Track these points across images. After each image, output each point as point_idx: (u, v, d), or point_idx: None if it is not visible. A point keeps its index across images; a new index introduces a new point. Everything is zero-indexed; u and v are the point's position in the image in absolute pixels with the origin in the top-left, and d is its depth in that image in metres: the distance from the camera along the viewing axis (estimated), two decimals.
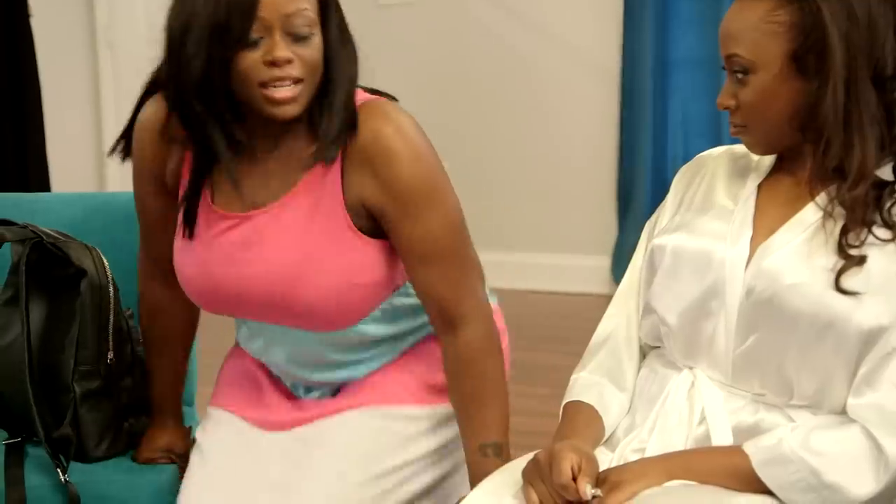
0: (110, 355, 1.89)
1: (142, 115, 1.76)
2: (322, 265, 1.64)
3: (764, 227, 1.48)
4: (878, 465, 1.36)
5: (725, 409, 1.47)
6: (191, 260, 1.72)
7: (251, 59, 1.54)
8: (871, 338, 1.37)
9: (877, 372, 1.38)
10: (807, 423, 1.41)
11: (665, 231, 1.57)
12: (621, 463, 1.50)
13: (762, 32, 1.41)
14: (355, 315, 1.70)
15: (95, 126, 5.37)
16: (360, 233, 1.65)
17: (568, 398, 1.61)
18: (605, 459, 1.53)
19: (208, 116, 1.58)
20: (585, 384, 1.60)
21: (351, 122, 1.60)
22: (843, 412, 1.42)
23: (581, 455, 1.43)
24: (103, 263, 1.90)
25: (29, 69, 4.66)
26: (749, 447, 1.41)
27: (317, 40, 1.57)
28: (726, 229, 1.49)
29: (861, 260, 1.37)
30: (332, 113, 1.60)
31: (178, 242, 1.74)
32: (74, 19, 5.27)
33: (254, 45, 1.53)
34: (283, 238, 1.65)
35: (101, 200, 2.30)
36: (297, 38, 1.54)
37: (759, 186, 1.52)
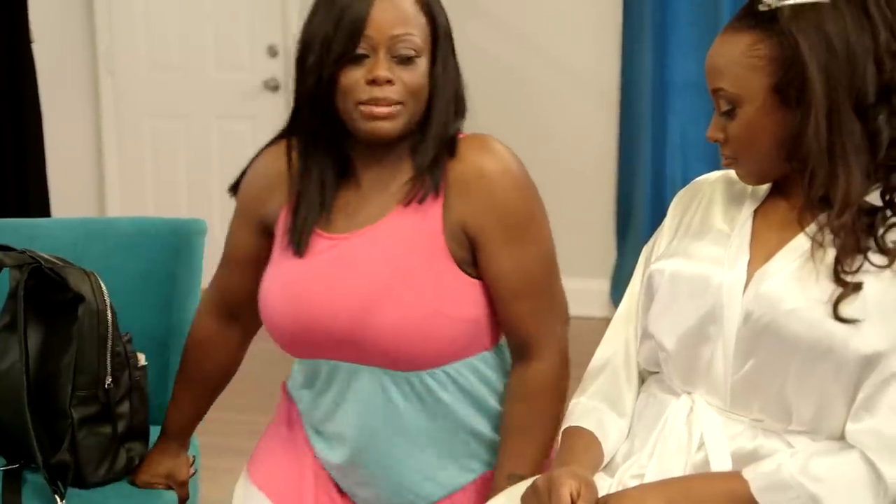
0: (108, 380, 1.89)
1: (259, 158, 1.80)
2: (412, 286, 1.62)
3: (761, 252, 1.48)
4: (877, 491, 1.36)
5: (724, 434, 1.47)
6: (281, 281, 1.70)
7: (354, 77, 1.58)
8: (869, 363, 1.37)
9: (875, 397, 1.38)
10: (806, 449, 1.41)
11: (662, 256, 1.57)
12: (620, 489, 1.49)
13: (744, 67, 1.42)
14: (438, 350, 1.65)
15: (96, 151, 5.38)
16: (454, 263, 1.64)
17: (567, 423, 1.60)
18: (604, 485, 1.52)
19: (318, 132, 1.65)
20: (584, 409, 1.60)
21: (450, 152, 1.64)
22: (841, 438, 1.42)
23: (580, 481, 1.42)
24: (101, 288, 1.90)
25: (30, 94, 4.67)
26: (748, 473, 1.41)
27: (422, 66, 1.60)
28: (723, 254, 1.49)
29: (857, 287, 1.37)
30: (427, 142, 1.64)
31: (271, 269, 1.73)
32: (75, 45, 5.29)
33: (359, 62, 1.58)
34: (377, 258, 1.64)
35: (100, 225, 2.30)
36: (401, 61, 1.58)
37: (756, 211, 1.53)
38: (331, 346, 1.68)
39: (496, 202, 1.63)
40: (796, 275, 1.43)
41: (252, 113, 5.16)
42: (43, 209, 4.77)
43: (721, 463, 1.45)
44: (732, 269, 1.47)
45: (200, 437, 2.17)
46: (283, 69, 5.03)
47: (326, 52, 1.58)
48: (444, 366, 1.67)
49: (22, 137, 4.65)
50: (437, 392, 1.68)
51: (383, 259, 1.64)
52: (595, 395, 1.61)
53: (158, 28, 5.23)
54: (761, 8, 1.43)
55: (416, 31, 1.59)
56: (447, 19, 1.67)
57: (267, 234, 1.77)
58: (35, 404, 1.86)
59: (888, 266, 1.39)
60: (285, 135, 1.75)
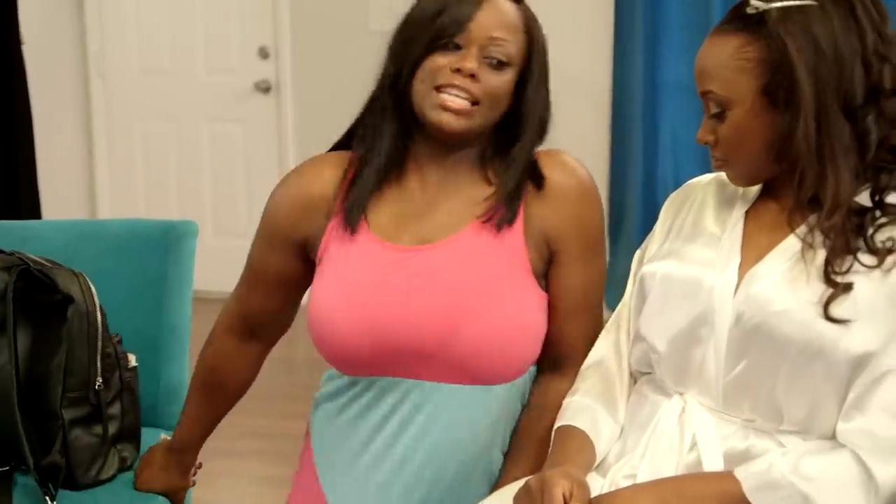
0: (99, 381, 1.89)
1: (297, 174, 1.74)
2: (498, 298, 1.61)
3: (751, 254, 1.48)
4: (868, 491, 1.36)
5: (716, 434, 1.47)
6: (349, 297, 1.63)
7: (440, 62, 1.59)
8: (859, 363, 1.37)
9: (866, 397, 1.37)
10: (797, 449, 1.41)
11: (654, 258, 1.57)
12: (613, 489, 1.49)
13: (733, 69, 1.43)
14: (517, 364, 1.65)
15: (86, 153, 5.38)
16: (533, 275, 1.64)
17: (560, 422, 1.60)
18: (597, 485, 1.52)
19: (390, 117, 1.63)
20: (578, 408, 1.60)
21: (532, 175, 1.66)
22: (833, 437, 1.41)
23: (572, 481, 1.42)
24: (90, 289, 1.90)
25: (20, 96, 4.68)
26: (740, 472, 1.41)
27: (508, 75, 1.62)
28: (714, 257, 1.50)
29: (847, 287, 1.38)
30: (513, 165, 1.65)
31: (327, 286, 1.66)
32: (66, 47, 5.29)
33: (451, 49, 1.59)
34: (459, 270, 1.62)
35: (91, 227, 2.31)
36: (491, 64, 1.60)
37: (747, 213, 1.53)
38: (410, 362, 1.63)
39: (578, 215, 1.66)
40: (787, 276, 1.43)
41: (243, 115, 5.16)
42: (34, 211, 4.77)
43: (713, 463, 1.45)
44: (724, 271, 1.48)
45: None
46: (275, 71, 5.03)
47: (423, 33, 1.59)
48: (517, 379, 1.68)
49: (12, 140, 4.65)
50: (513, 404, 1.69)
51: (466, 271, 1.62)
52: (588, 393, 1.61)
53: (149, 30, 5.24)
54: (749, 11, 1.43)
55: (512, 40, 1.62)
56: (545, 46, 1.70)
57: (302, 256, 1.73)
58: (25, 406, 1.86)
59: (878, 266, 1.39)
60: (342, 145, 1.74)
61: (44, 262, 1.93)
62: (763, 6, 1.42)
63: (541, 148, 1.73)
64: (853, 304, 1.37)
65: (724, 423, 1.47)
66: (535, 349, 1.67)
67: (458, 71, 1.58)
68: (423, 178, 1.67)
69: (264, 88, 5.07)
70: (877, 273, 1.39)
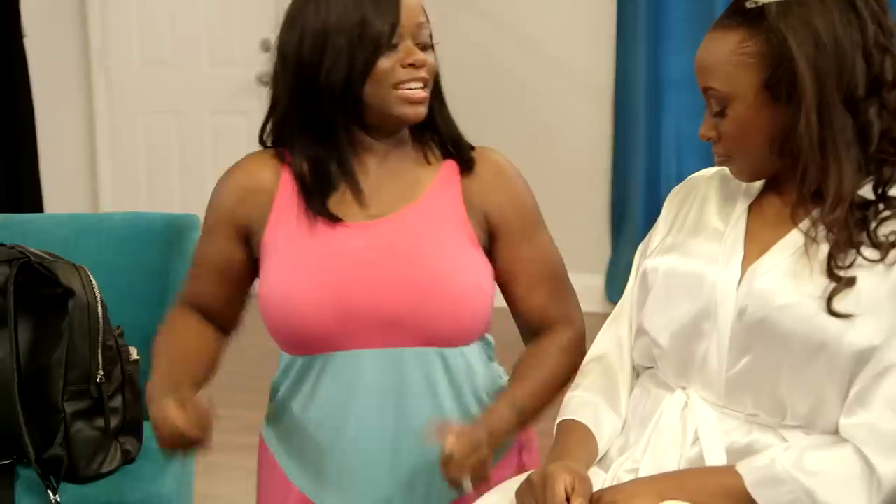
0: (100, 374, 1.90)
1: (235, 171, 1.78)
2: (452, 263, 1.68)
3: (755, 248, 1.48)
4: (871, 485, 1.36)
5: (719, 429, 1.47)
6: (308, 273, 1.66)
7: (390, 62, 1.63)
8: (862, 357, 1.37)
9: (869, 392, 1.37)
10: (799, 443, 1.41)
11: (657, 252, 1.57)
12: (615, 483, 1.49)
13: (734, 64, 1.42)
14: (476, 325, 1.71)
15: (89, 147, 5.38)
16: (479, 244, 1.71)
17: (562, 416, 1.60)
18: (599, 480, 1.52)
19: (340, 122, 1.67)
20: (580, 403, 1.60)
21: (466, 162, 1.74)
22: (835, 432, 1.41)
23: (574, 475, 1.42)
24: (91, 283, 1.91)
25: (22, 89, 4.67)
26: (742, 467, 1.41)
27: (433, 53, 1.69)
28: (718, 251, 1.49)
29: (850, 281, 1.38)
30: (448, 118, 1.74)
31: (285, 273, 1.68)
32: (68, 41, 5.29)
33: (393, 48, 1.63)
34: (412, 239, 1.68)
35: (92, 221, 2.31)
36: (424, 47, 1.66)
37: (750, 208, 1.53)
38: (374, 332, 1.66)
39: (514, 196, 1.74)
40: (790, 270, 1.43)
41: (245, 108, 5.14)
42: (35, 205, 4.77)
43: (715, 457, 1.45)
44: (727, 266, 1.47)
45: None
46: None
47: (363, 43, 1.62)
48: (469, 344, 1.72)
49: (14, 133, 4.64)
50: (472, 367, 1.72)
51: (419, 239, 1.68)
52: (590, 388, 1.61)
53: (151, 23, 5.23)
54: (749, 5, 1.42)
55: (427, 20, 1.68)
56: None
57: (242, 244, 1.74)
58: (26, 399, 1.86)
59: (881, 260, 1.39)
60: (267, 143, 1.77)
61: (45, 255, 1.93)
62: (763, 0, 1.41)
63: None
64: (856, 298, 1.37)
65: (726, 417, 1.47)
66: (488, 310, 1.71)
67: (411, 65, 1.64)
68: (364, 164, 1.71)
69: (266, 81, 5.00)
70: (880, 267, 1.39)
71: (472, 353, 1.72)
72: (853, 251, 1.39)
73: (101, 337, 1.89)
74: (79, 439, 1.87)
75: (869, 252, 1.39)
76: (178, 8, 5.19)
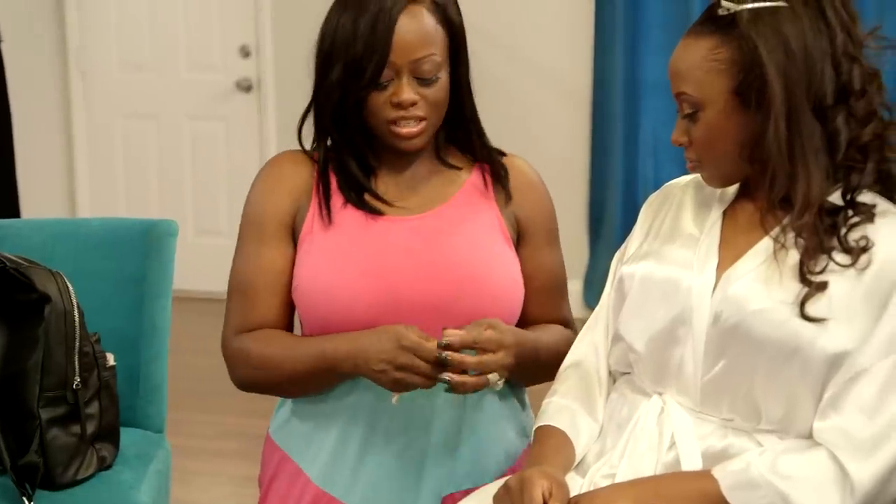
0: (76, 381, 1.88)
1: (272, 167, 1.79)
2: (496, 257, 1.73)
3: (729, 254, 1.49)
4: (844, 489, 1.37)
5: (695, 434, 1.48)
6: (357, 270, 1.66)
7: (381, 99, 1.65)
8: (835, 362, 1.39)
9: (842, 396, 1.39)
10: (774, 448, 1.42)
11: (633, 259, 1.58)
12: (592, 489, 1.49)
13: (705, 70, 1.44)
14: (515, 317, 1.75)
15: (66, 152, 5.35)
16: (511, 243, 1.76)
17: (540, 422, 1.61)
18: (576, 485, 1.53)
19: (342, 141, 1.71)
20: (557, 408, 1.60)
21: (497, 168, 1.78)
22: (810, 436, 1.42)
23: (552, 481, 1.43)
24: (68, 288, 1.89)
25: None
26: (718, 472, 1.41)
27: (443, 80, 1.68)
28: (692, 257, 1.51)
29: (822, 286, 1.39)
30: (473, 136, 1.78)
31: (328, 266, 1.67)
32: (46, 44, 5.26)
33: (384, 87, 1.65)
34: (453, 231, 1.71)
35: (69, 226, 2.29)
36: (424, 81, 1.65)
37: (724, 214, 1.54)
38: (420, 319, 1.65)
39: (543, 206, 1.81)
40: (762, 276, 1.44)
41: (224, 113, 5.14)
42: (12, 210, 4.74)
43: (691, 462, 1.46)
44: (701, 272, 1.49)
45: (169, 437, 2.18)
46: (256, 69, 5.01)
47: (352, 77, 1.64)
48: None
49: None
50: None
51: (459, 231, 1.71)
52: (567, 394, 1.62)
53: (130, 26, 5.20)
54: (721, 12, 1.44)
55: (436, 50, 1.66)
56: (460, 15, 1.73)
57: (294, 244, 1.74)
58: (1, 406, 1.85)
59: (852, 265, 1.40)
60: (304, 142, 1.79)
61: (21, 261, 1.92)
62: (734, 7, 1.43)
63: (503, 147, 1.82)
64: (828, 302, 1.39)
65: (702, 422, 1.48)
66: (521, 303, 1.75)
67: (398, 104, 1.64)
68: (393, 170, 1.75)
69: (245, 87, 5.06)
70: (851, 272, 1.40)
71: None
72: (825, 256, 1.40)
73: (77, 343, 1.87)
74: (55, 446, 1.86)
75: (840, 257, 1.40)
76: (157, 11, 5.17)
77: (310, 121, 1.75)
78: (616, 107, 4.57)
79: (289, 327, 1.76)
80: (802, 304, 1.38)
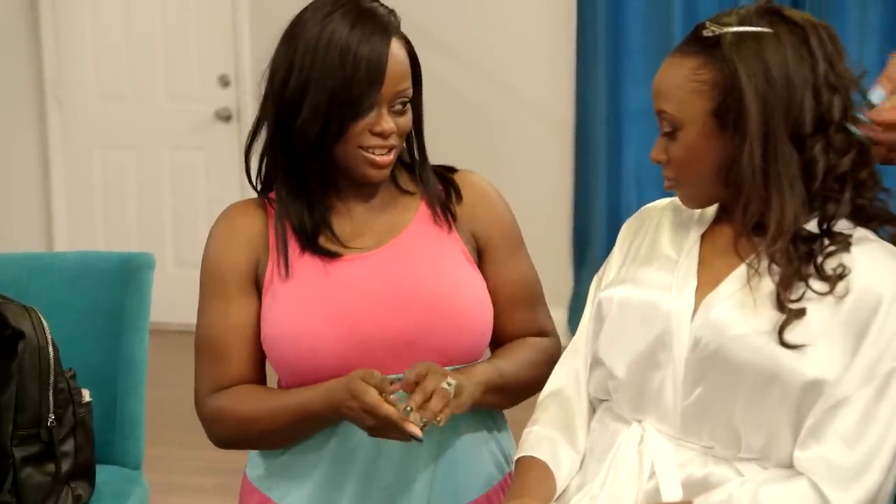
0: (51, 418, 1.87)
1: (224, 221, 1.77)
2: (459, 282, 1.72)
3: (708, 278, 1.49)
4: None
5: (675, 461, 1.47)
6: (320, 315, 1.65)
7: (358, 128, 1.65)
8: (814, 388, 1.38)
9: (822, 425, 1.39)
10: (755, 477, 1.42)
11: (611, 284, 1.59)
12: None
13: (687, 90, 1.46)
14: (485, 338, 1.74)
15: (43, 184, 5.33)
16: (473, 262, 1.76)
17: (520, 453, 1.60)
18: None
19: (311, 166, 1.68)
20: (538, 438, 1.60)
21: (450, 186, 1.78)
22: (790, 465, 1.42)
23: None
24: (42, 324, 1.89)
25: None
26: (700, 502, 1.41)
27: (409, 111, 1.70)
28: (671, 280, 1.51)
29: (800, 313, 1.39)
30: (426, 168, 1.77)
31: (289, 314, 1.67)
32: (22, 74, 5.25)
33: (363, 116, 1.65)
34: (413, 263, 1.71)
35: (44, 260, 2.30)
36: (398, 110, 1.67)
37: (703, 236, 1.55)
38: (386, 358, 1.65)
39: (499, 217, 1.80)
40: (739, 301, 1.44)
41: (204, 143, 5.13)
42: None
43: (671, 492, 1.45)
44: (680, 295, 1.49)
45: (147, 474, 2.17)
46: (235, 99, 5.02)
47: (339, 106, 1.62)
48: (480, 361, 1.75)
49: None
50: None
51: (419, 262, 1.71)
52: (548, 423, 1.61)
53: (107, 56, 5.20)
54: (706, 34, 1.46)
55: (409, 83, 1.69)
56: (413, 48, 1.73)
57: (258, 291, 1.72)
58: None
59: (829, 293, 1.40)
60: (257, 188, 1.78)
61: None
62: (719, 30, 1.44)
63: (486, 176, 1.84)
64: (806, 329, 1.39)
65: (682, 449, 1.48)
66: (491, 322, 1.74)
67: (380, 133, 1.65)
68: (349, 202, 1.74)
69: (225, 117, 5.05)
70: (829, 299, 1.40)
71: None
72: (801, 284, 1.40)
73: (52, 379, 1.86)
74: (28, 485, 1.84)
75: (817, 285, 1.40)
76: (134, 40, 5.16)
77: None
78: (599, 134, 4.59)
79: (262, 379, 1.74)
80: (781, 331, 1.38)
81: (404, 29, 1.70)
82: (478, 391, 1.63)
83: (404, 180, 1.77)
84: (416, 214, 1.75)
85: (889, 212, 1.48)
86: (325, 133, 1.64)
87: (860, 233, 1.46)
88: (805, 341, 1.38)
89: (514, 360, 1.74)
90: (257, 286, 1.72)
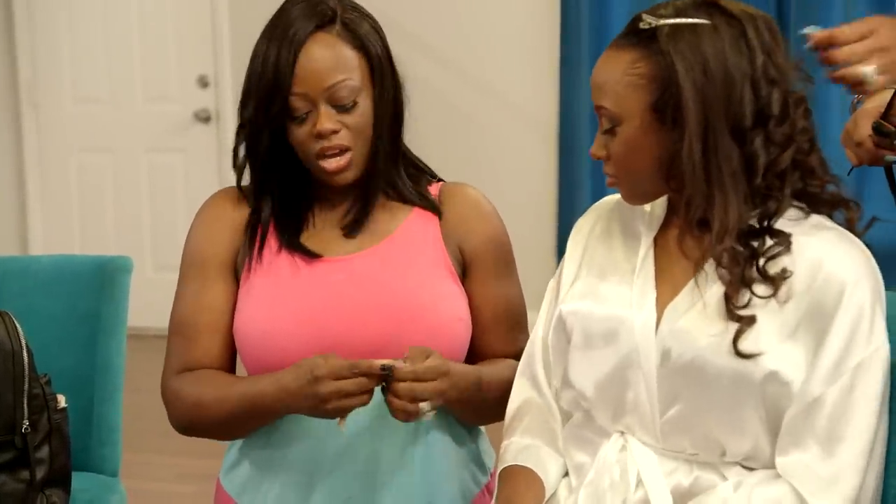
0: (25, 424, 1.84)
1: (207, 208, 1.78)
2: (436, 295, 1.69)
3: (667, 287, 1.48)
4: None
5: (661, 471, 1.46)
6: (291, 315, 1.65)
7: (302, 133, 1.63)
8: (787, 391, 1.38)
9: (798, 428, 1.39)
10: (748, 481, 1.42)
11: (571, 297, 1.56)
12: None
13: (624, 85, 1.43)
14: (457, 355, 1.70)
15: (18, 187, 5.32)
16: (456, 276, 1.72)
17: (503, 464, 1.58)
18: None
19: (273, 181, 1.69)
20: (518, 448, 1.58)
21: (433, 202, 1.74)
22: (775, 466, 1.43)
23: None
24: (16, 329, 1.87)
25: None
26: None
27: (363, 105, 1.65)
28: (629, 294, 1.49)
29: (751, 320, 1.38)
30: (391, 171, 1.71)
31: (263, 311, 1.66)
32: None
33: (302, 120, 1.62)
34: (396, 273, 1.68)
35: (19, 264, 2.28)
36: (343, 107, 1.62)
37: (655, 240, 1.52)
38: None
39: (492, 236, 1.75)
40: (702, 309, 1.43)
41: (182, 145, 5.11)
42: None
43: (661, 501, 1.44)
44: (641, 308, 1.47)
45: (124, 480, 2.15)
46: (215, 100, 5.00)
47: (265, 111, 1.62)
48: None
49: None
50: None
51: (398, 269, 1.68)
52: (526, 433, 1.59)
53: (83, 57, 5.18)
54: (642, 26, 1.43)
55: (352, 74, 1.63)
56: (384, 45, 1.70)
57: (236, 283, 1.72)
58: None
59: (773, 296, 1.38)
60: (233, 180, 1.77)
61: None
62: (655, 22, 1.42)
63: (470, 179, 1.81)
64: (757, 336, 1.38)
65: (666, 459, 1.47)
66: (466, 340, 1.71)
67: (318, 135, 1.61)
68: (333, 202, 1.72)
69: (204, 118, 5.03)
70: (773, 304, 1.39)
71: None
72: (746, 290, 1.39)
73: (26, 385, 1.84)
74: (2, 493, 1.81)
75: (761, 289, 1.39)
76: (111, 41, 5.14)
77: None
78: (583, 136, 4.60)
79: (231, 367, 1.73)
80: (735, 341, 1.37)
81: (386, 32, 1.69)
82: (448, 381, 1.59)
83: (405, 185, 1.75)
84: (405, 222, 1.72)
85: (842, 196, 1.46)
86: (260, 135, 1.64)
87: (815, 219, 1.44)
88: (759, 349, 1.37)
89: (491, 368, 1.71)
90: (236, 275, 1.71)
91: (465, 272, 1.74)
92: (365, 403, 1.55)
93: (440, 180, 1.81)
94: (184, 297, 1.73)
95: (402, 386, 1.54)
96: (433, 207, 1.73)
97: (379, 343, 1.63)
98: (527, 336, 1.75)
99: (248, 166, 1.71)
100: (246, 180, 1.75)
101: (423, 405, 1.55)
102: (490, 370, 1.70)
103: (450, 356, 1.65)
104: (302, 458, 1.66)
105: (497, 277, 1.75)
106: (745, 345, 1.37)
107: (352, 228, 1.71)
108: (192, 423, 1.70)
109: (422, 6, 4.77)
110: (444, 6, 4.81)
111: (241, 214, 1.73)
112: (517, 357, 1.72)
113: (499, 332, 1.74)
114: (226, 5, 4.93)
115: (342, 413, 1.55)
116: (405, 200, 1.73)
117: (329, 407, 1.54)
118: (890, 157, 1.60)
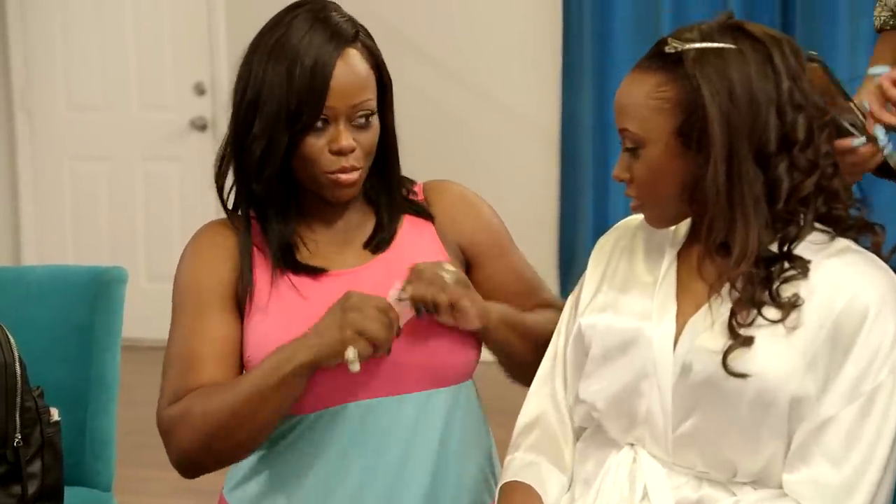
0: (17, 438, 1.83)
1: (201, 238, 1.74)
2: None
3: (689, 301, 1.48)
4: None
5: (668, 485, 1.46)
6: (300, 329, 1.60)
7: (316, 146, 1.61)
8: (798, 409, 1.38)
9: (808, 446, 1.38)
10: (749, 497, 1.42)
11: (591, 310, 1.56)
12: None
13: (649, 108, 1.43)
14: (475, 355, 1.71)
15: (11, 196, 5.33)
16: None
17: (503, 479, 1.59)
18: None
19: (266, 199, 1.66)
20: (521, 464, 1.58)
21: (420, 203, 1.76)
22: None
23: None
24: (9, 340, 1.85)
25: None
26: None
27: (375, 125, 1.66)
28: (650, 307, 1.49)
29: (748, 341, 1.38)
30: (394, 190, 1.74)
31: (277, 334, 1.60)
32: None
33: (318, 131, 1.61)
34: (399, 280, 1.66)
35: (12, 274, 2.29)
36: (360, 125, 1.63)
37: (678, 256, 1.53)
38: (378, 379, 1.63)
39: (482, 221, 1.78)
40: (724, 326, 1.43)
41: (178, 153, 5.12)
42: None
43: None
44: (661, 322, 1.47)
45: (118, 495, 2.16)
46: (211, 108, 5.00)
47: (284, 122, 1.59)
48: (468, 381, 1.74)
49: None
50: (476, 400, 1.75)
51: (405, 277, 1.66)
52: (531, 449, 1.59)
53: (78, 64, 5.18)
54: (668, 50, 1.44)
55: (371, 95, 1.64)
56: (381, 56, 1.69)
57: (239, 306, 1.67)
58: None
59: (781, 321, 1.39)
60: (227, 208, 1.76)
61: None
62: (681, 46, 1.42)
63: (481, 184, 1.85)
64: (751, 357, 1.38)
65: (675, 474, 1.46)
66: (482, 342, 1.71)
67: (338, 151, 1.61)
68: (328, 219, 1.71)
69: (200, 126, 5.04)
70: (780, 328, 1.39)
71: (471, 389, 1.73)
72: (754, 310, 1.39)
73: (18, 398, 1.82)
74: None
75: (770, 312, 1.39)
76: (106, 48, 5.15)
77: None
78: (585, 147, 4.62)
79: None
80: (725, 356, 1.37)
81: (389, 41, 1.69)
82: (493, 310, 1.63)
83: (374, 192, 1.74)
84: (398, 233, 1.72)
85: (865, 220, 1.47)
86: (269, 151, 1.60)
87: (842, 243, 1.44)
88: (748, 370, 1.37)
89: (533, 313, 1.74)
90: (238, 306, 1.67)
91: (469, 265, 1.76)
92: (389, 338, 1.54)
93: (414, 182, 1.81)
94: (181, 329, 1.66)
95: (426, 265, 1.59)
96: (424, 213, 1.74)
97: (396, 349, 1.60)
98: (546, 288, 1.82)
99: (236, 179, 1.69)
100: (228, 187, 1.74)
101: (349, 352, 1.51)
102: (531, 314, 1.73)
103: (468, 359, 1.68)
104: (319, 478, 1.64)
105: (500, 257, 1.77)
106: (736, 363, 1.37)
107: (378, 246, 1.70)
108: (209, 435, 1.58)
109: (423, 15, 4.80)
110: (446, 15, 4.84)
111: (233, 243, 1.69)
112: (549, 307, 1.77)
113: (521, 301, 1.75)
114: (222, 11, 4.95)
115: (361, 337, 1.52)
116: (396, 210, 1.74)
117: (350, 333, 1.52)
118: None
